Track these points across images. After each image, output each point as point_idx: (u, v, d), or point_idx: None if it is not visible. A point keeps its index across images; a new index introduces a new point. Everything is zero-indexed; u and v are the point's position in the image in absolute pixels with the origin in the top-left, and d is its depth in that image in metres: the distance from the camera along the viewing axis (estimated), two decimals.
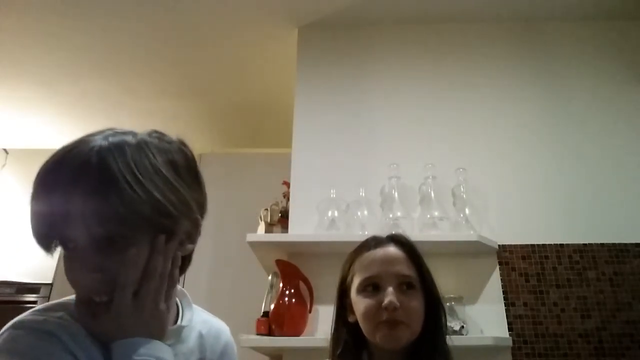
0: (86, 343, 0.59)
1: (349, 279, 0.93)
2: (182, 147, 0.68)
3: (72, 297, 0.64)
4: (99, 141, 0.60)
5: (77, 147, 0.60)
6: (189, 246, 0.67)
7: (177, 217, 0.61)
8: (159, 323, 0.61)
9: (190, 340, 0.73)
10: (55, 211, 0.56)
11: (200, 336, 0.75)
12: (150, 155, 0.61)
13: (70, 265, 0.60)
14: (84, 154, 0.58)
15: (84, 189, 0.55)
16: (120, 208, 0.55)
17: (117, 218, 0.56)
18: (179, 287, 0.74)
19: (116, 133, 0.63)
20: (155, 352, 0.58)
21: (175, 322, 0.71)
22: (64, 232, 0.58)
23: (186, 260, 0.70)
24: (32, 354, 0.55)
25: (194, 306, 0.78)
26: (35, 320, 0.58)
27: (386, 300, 0.83)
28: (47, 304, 0.63)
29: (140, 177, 0.57)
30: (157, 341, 0.60)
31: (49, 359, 0.55)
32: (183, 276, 0.72)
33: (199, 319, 0.77)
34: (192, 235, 0.67)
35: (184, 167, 0.66)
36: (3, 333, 0.57)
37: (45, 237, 0.59)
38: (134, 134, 0.64)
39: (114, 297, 0.58)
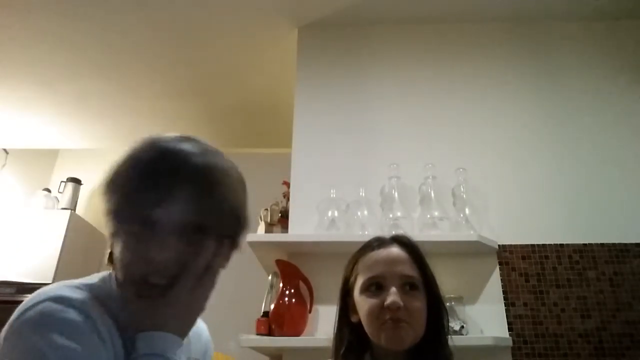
0: (112, 330, 0.59)
1: (352, 279, 0.93)
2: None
3: (93, 279, 0.65)
4: (200, 144, 0.66)
5: (179, 140, 0.64)
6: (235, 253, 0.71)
7: (245, 231, 0.68)
8: (193, 323, 0.63)
9: None
10: (159, 192, 0.59)
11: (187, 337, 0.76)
12: (237, 169, 0.70)
13: (138, 245, 0.60)
14: (190, 147, 0.63)
15: (194, 175, 0.61)
16: (223, 203, 0.62)
17: (216, 209, 0.62)
18: None
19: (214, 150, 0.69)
20: (180, 353, 0.59)
21: None
22: (158, 210, 0.59)
23: None
24: (67, 330, 0.53)
25: None
26: (74, 298, 0.57)
27: (389, 300, 0.83)
28: (71, 282, 0.63)
29: (241, 183, 0.67)
30: (183, 343, 0.61)
31: (82, 338, 0.54)
32: None
33: None
34: (240, 244, 0.71)
35: (244, 181, 0.72)
36: (39, 303, 0.56)
37: (135, 213, 0.60)
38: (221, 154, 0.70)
39: (178, 282, 0.60)
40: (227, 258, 0.67)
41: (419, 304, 0.86)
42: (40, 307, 0.55)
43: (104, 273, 0.68)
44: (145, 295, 0.59)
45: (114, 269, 0.66)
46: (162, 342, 0.57)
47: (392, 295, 0.84)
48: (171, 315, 0.59)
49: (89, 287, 0.62)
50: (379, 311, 0.84)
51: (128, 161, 0.62)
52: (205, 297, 0.64)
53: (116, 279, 0.64)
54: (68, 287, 0.60)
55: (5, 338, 0.55)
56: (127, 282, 0.61)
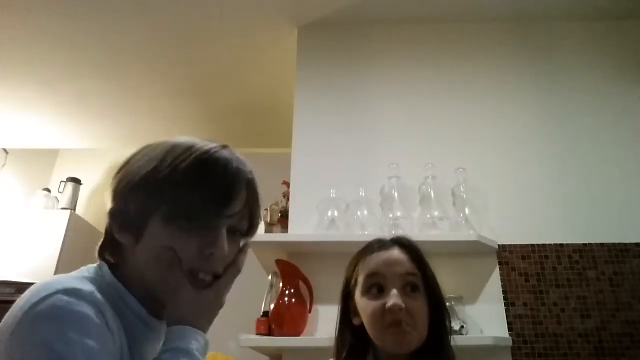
0: (117, 324, 0.59)
1: (353, 281, 0.93)
2: None
3: (86, 272, 0.64)
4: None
5: (229, 154, 0.70)
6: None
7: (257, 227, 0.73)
8: (214, 319, 0.66)
9: None
10: (226, 196, 0.65)
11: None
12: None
13: (202, 241, 0.63)
14: (244, 165, 0.70)
15: (247, 183, 0.68)
16: (258, 210, 0.71)
17: (253, 216, 0.70)
18: None
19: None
20: (203, 350, 0.61)
21: None
22: (225, 212, 0.65)
23: None
24: (82, 326, 0.52)
25: None
26: (87, 291, 0.56)
27: (390, 302, 0.83)
28: (74, 274, 0.63)
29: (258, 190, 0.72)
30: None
31: (99, 335, 0.53)
32: None
33: None
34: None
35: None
36: (51, 295, 0.53)
37: (204, 212, 0.64)
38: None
39: (220, 279, 0.66)
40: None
41: (420, 305, 0.86)
42: (53, 299, 0.53)
43: (90, 267, 0.66)
44: (195, 285, 0.64)
45: (108, 261, 0.67)
46: (192, 337, 0.60)
47: (394, 298, 0.84)
48: (204, 311, 0.64)
49: (94, 281, 0.61)
50: (381, 314, 0.84)
51: (189, 164, 0.65)
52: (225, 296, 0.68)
53: (138, 273, 0.65)
54: (76, 279, 0.59)
55: (13, 333, 0.51)
56: (173, 275, 0.63)
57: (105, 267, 0.66)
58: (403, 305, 0.83)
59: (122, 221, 0.65)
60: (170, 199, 0.63)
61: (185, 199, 0.62)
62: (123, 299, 0.63)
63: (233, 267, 0.68)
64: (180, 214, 0.63)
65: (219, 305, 0.66)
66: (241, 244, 0.70)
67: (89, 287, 0.57)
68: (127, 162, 0.68)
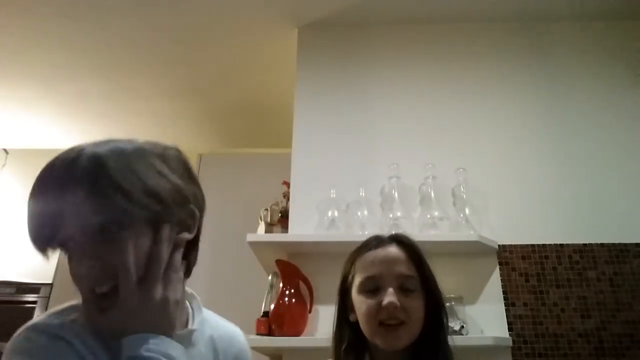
0: (96, 347, 0.60)
1: (350, 278, 0.93)
2: (174, 146, 0.71)
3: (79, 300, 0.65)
4: (89, 144, 0.63)
5: (67, 151, 0.61)
6: (186, 235, 0.67)
7: (170, 204, 0.62)
8: (167, 315, 0.60)
9: (201, 343, 0.72)
10: (50, 211, 0.57)
11: (212, 340, 0.74)
12: (140, 147, 0.65)
13: (73, 264, 0.60)
14: (74, 152, 0.59)
15: (74, 181, 0.56)
16: (113, 195, 0.56)
17: (110, 205, 0.56)
18: (188, 289, 0.74)
19: (109, 140, 0.66)
20: (165, 349, 0.57)
21: (186, 325, 0.71)
22: (60, 230, 0.58)
23: (191, 259, 0.71)
24: (43, 356, 0.57)
25: (206, 310, 0.77)
26: (49, 324, 0.60)
27: (386, 301, 0.83)
28: (64, 306, 0.65)
29: (130, 163, 0.60)
30: (167, 338, 0.59)
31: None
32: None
33: (210, 323, 0.76)
34: (189, 225, 0.67)
35: (174, 159, 0.68)
36: (20, 334, 0.60)
37: (43, 239, 0.59)
38: (128, 139, 0.68)
39: (119, 284, 0.58)
40: (167, 236, 0.62)
41: (416, 304, 0.86)
42: (19, 337, 0.59)
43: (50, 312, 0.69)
44: (104, 307, 0.59)
45: None
46: (141, 341, 0.57)
47: (389, 296, 0.84)
48: (138, 315, 0.58)
49: (77, 308, 0.63)
50: (376, 312, 0.84)
51: (31, 188, 0.60)
52: (164, 286, 0.61)
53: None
54: (50, 314, 0.63)
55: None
56: (84, 302, 0.62)
57: None
58: (398, 303, 0.83)
59: None
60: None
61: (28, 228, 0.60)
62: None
63: (124, 265, 0.59)
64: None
65: (152, 301, 0.59)
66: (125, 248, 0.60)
67: (56, 320, 0.61)
68: None
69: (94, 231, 0.58)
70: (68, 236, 0.58)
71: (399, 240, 0.93)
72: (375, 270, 0.88)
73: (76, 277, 0.60)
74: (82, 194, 0.56)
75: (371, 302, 0.86)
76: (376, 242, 0.94)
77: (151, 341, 0.57)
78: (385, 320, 0.83)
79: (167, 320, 0.61)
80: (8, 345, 0.59)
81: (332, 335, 0.94)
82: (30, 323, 0.61)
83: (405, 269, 0.88)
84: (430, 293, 0.88)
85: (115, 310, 0.59)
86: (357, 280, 0.90)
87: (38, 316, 0.63)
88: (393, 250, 0.90)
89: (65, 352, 0.58)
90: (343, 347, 0.90)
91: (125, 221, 0.58)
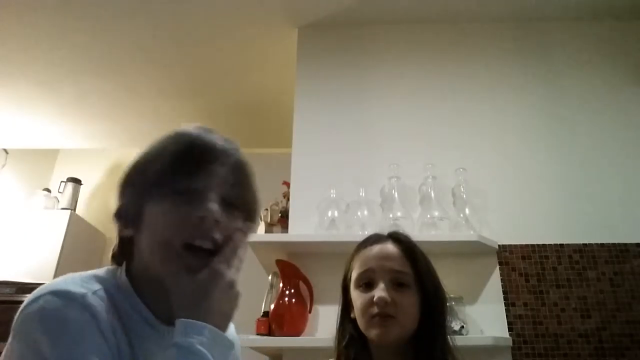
0: (117, 327, 0.58)
1: (349, 274, 0.95)
2: None
3: (100, 271, 0.64)
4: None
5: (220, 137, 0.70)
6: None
7: (256, 226, 0.73)
8: (234, 308, 0.63)
9: None
10: (201, 163, 0.65)
11: None
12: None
13: (184, 207, 0.62)
14: (232, 145, 0.72)
15: (230, 159, 0.68)
16: (249, 191, 0.71)
17: (244, 194, 0.69)
18: None
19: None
20: (215, 346, 0.55)
21: None
22: (202, 176, 0.64)
23: None
24: (66, 327, 0.53)
25: None
26: (75, 293, 0.56)
27: (377, 296, 0.85)
28: (84, 274, 0.62)
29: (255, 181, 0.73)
30: (224, 334, 0.58)
31: (82, 336, 0.54)
32: None
33: None
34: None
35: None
36: (40, 297, 0.55)
37: (180, 178, 0.63)
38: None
39: (221, 248, 0.62)
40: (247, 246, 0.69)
41: (408, 299, 0.87)
42: (41, 301, 0.55)
43: (109, 267, 0.68)
44: (193, 265, 0.59)
45: (123, 262, 0.67)
46: (192, 330, 0.54)
47: (380, 291, 0.85)
48: (200, 299, 0.58)
49: (101, 280, 0.62)
50: (369, 306, 0.86)
51: (167, 141, 0.67)
52: (235, 287, 0.64)
53: (143, 268, 0.65)
54: (73, 281, 0.59)
55: (13, 329, 0.56)
56: (170, 256, 0.61)
57: (123, 270, 0.66)
58: (389, 298, 0.84)
59: (123, 218, 0.66)
60: (147, 178, 0.64)
61: (156, 172, 0.63)
62: (131, 302, 0.63)
63: (230, 243, 0.63)
64: (158, 189, 0.62)
65: (223, 289, 0.60)
66: (240, 225, 0.67)
67: (82, 290, 0.57)
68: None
69: (224, 199, 0.65)
70: (206, 185, 0.64)
71: (396, 237, 0.95)
72: (368, 266, 0.90)
73: (185, 221, 0.61)
74: (227, 172, 0.67)
75: (364, 296, 0.88)
76: (374, 239, 0.96)
77: (207, 333, 0.55)
78: (375, 314, 0.85)
79: (231, 315, 0.62)
80: (23, 312, 0.55)
81: (336, 331, 0.96)
82: (49, 287, 0.56)
83: (397, 264, 0.89)
84: (426, 290, 0.89)
85: (202, 275, 0.59)
86: (353, 276, 0.93)
87: (53, 281, 0.58)
88: (389, 246, 0.92)
89: (89, 326, 0.54)
90: (344, 343, 0.91)
91: (241, 213, 0.68)
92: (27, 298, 0.57)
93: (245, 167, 0.70)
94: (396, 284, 0.87)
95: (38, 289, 0.57)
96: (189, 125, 0.70)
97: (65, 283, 0.58)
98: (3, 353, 0.56)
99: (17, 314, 0.56)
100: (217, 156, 0.66)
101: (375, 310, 0.85)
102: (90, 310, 0.56)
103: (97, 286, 0.60)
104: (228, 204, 0.65)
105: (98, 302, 0.57)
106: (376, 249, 0.92)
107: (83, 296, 0.56)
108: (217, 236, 0.62)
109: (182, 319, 0.55)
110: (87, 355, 0.52)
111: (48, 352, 0.51)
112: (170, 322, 0.61)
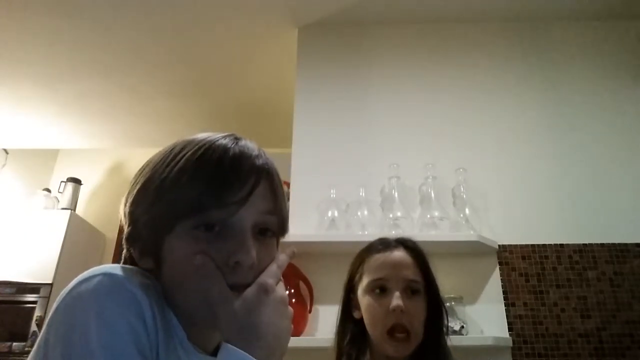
0: (153, 328, 0.52)
1: (357, 277, 0.96)
2: None
3: (140, 270, 0.57)
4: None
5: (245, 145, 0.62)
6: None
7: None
8: (286, 341, 0.55)
9: None
10: (242, 186, 0.56)
11: None
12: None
13: (211, 245, 0.55)
14: (255, 150, 0.62)
15: (267, 174, 0.59)
16: (283, 205, 0.62)
17: (279, 211, 0.61)
18: None
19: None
20: None
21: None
22: (241, 205, 0.56)
23: None
24: (120, 309, 0.49)
25: None
26: (130, 279, 0.52)
27: (393, 304, 0.86)
28: (126, 267, 0.56)
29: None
30: None
31: (130, 327, 0.49)
32: None
33: None
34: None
35: None
36: (96, 276, 0.50)
37: (222, 201, 0.55)
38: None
39: (260, 277, 0.55)
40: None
41: (420, 308, 0.89)
42: (95, 280, 0.50)
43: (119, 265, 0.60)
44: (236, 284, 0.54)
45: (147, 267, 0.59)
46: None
47: (396, 300, 0.87)
48: (241, 331, 0.52)
49: (139, 273, 0.55)
50: (384, 316, 0.87)
51: (190, 155, 0.57)
52: (286, 317, 0.55)
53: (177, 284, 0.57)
54: (117, 268, 0.54)
55: (56, 309, 0.50)
56: (215, 284, 0.54)
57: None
58: (404, 307, 0.86)
59: (138, 245, 0.58)
60: (166, 204, 0.55)
61: (177, 197, 0.55)
62: (166, 315, 0.56)
63: (270, 265, 0.57)
64: (181, 220, 0.54)
65: (267, 321, 0.52)
66: (274, 251, 0.60)
67: (135, 279, 0.52)
68: (136, 175, 0.61)
69: (258, 225, 0.58)
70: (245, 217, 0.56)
71: (406, 244, 0.96)
72: (382, 273, 0.91)
73: (224, 257, 0.54)
74: (265, 192, 0.58)
75: (377, 304, 0.89)
76: (384, 244, 0.97)
77: None
78: (393, 328, 0.86)
79: (287, 337, 0.55)
80: (75, 291, 0.49)
81: (335, 329, 0.97)
82: (102, 269, 0.51)
83: (411, 273, 0.91)
84: (433, 297, 0.91)
85: (250, 291, 0.53)
86: (364, 281, 0.93)
87: (104, 265, 0.53)
88: (400, 254, 0.94)
89: (137, 319, 0.49)
90: (345, 341, 0.92)
91: (282, 228, 0.62)
92: (75, 280, 0.51)
93: (279, 180, 0.62)
94: (409, 292, 0.90)
95: (85, 272, 0.52)
96: (215, 134, 0.61)
97: (115, 269, 0.53)
98: (40, 336, 0.50)
99: (64, 293, 0.50)
100: (252, 174, 0.57)
101: (391, 321, 0.86)
102: (142, 302, 0.51)
103: (144, 280, 0.54)
104: (264, 230, 0.59)
105: (148, 296, 0.52)
106: (389, 256, 0.93)
107: (134, 285, 0.52)
108: (251, 280, 0.55)
109: (229, 347, 0.50)
110: (129, 346, 0.48)
111: (94, 330, 0.46)
112: (196, 343, 0.57)
